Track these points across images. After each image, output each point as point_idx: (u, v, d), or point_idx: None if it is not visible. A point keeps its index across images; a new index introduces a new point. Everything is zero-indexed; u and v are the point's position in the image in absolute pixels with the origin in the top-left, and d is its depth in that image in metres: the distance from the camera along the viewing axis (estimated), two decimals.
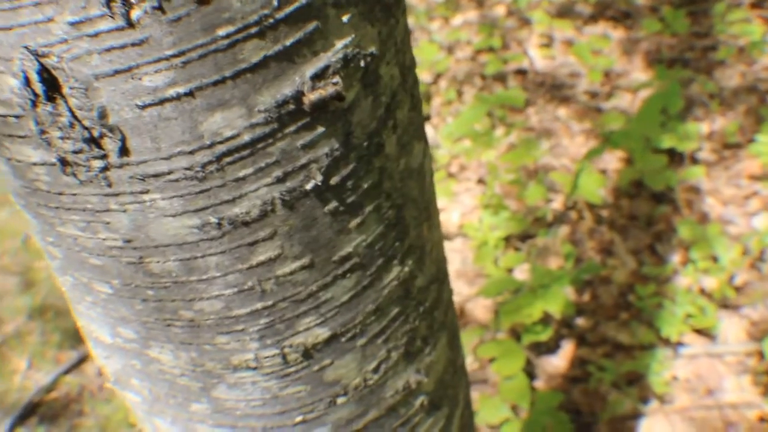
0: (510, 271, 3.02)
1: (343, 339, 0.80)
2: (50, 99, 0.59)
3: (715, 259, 2.91)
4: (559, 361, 2.79)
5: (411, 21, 4.37)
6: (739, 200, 3.15)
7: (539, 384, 2.72)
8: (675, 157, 3.26)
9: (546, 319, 2.75)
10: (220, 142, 0.61)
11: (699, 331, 2.77)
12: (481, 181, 3.36)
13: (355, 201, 0.71)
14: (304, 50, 0.61)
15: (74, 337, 3.19)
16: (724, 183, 3.21)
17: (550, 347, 2.83)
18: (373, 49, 0.67)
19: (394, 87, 0.72)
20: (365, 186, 0.72)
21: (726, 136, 3.31)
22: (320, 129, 0.65)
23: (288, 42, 0.59)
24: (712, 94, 3.49)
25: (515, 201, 3.23)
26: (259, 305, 0.72)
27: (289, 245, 0.69)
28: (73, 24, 0.55)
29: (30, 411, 3.01)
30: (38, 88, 0.58)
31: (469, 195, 3.32)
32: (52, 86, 0.58)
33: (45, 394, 3.06)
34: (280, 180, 0.65)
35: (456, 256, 3.14)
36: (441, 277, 0.93)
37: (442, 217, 3.24)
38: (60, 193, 0.66)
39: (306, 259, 0.71)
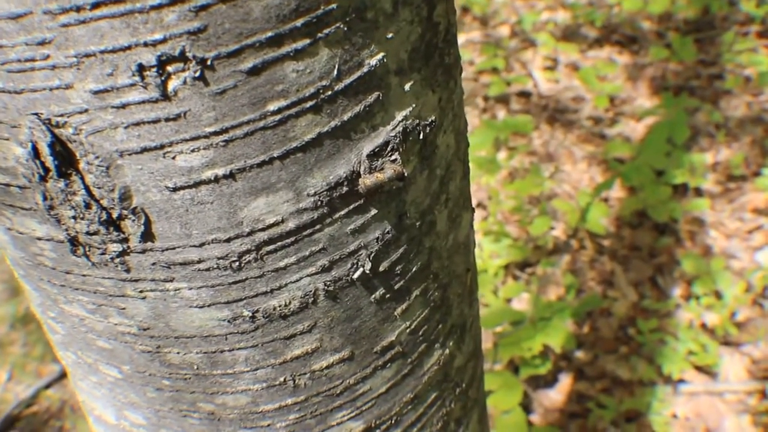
0: (509, 300, 2.94)
1: None
2: (63, 174, 0.50)
3: (717, 295, 2.84)
4: (556, 395, 2.71)
5: None
6: (743, 234, 3.09)
7: (536, 419, 2.64)
8: (678, 188, 3.19)
9: (545, 352, 2.67)
10: (261, 230, 0.52)
11: (700, 368, 2.71)
12: (480, 205, 3.27)
13: (403, 286, 0.63)
14: (363, 125, 0.52)
15: None
16: (728, 216, 3.15)
17: (547, 380, 2.75)
18: (432, 117, 0.58)
19: (449, 157, 0.64)
20: (414, 269, 0.63)
21: (731, 168, 3.25)
22: (373, 211, 0.56)
23: (346, 116, 0.51)
24: (717, 124, 3.43)
25: (516, 227, 3.15)
26: (289, 401, 0.63)
27: (329, 338, 0.60)
28: (96, 93, 0.46)
29: (9, 425, 2.88)
30: (49, 162, 0.49)
31: None
32: (65, 160, 0.49)
33: (25, 408, 2.94)
34: (325, 269, 0.56)
35: None
36: (477, 353, 0.84)
37: None
38: (67, 272, 0.57)
39: (346, 352, 0.62)
